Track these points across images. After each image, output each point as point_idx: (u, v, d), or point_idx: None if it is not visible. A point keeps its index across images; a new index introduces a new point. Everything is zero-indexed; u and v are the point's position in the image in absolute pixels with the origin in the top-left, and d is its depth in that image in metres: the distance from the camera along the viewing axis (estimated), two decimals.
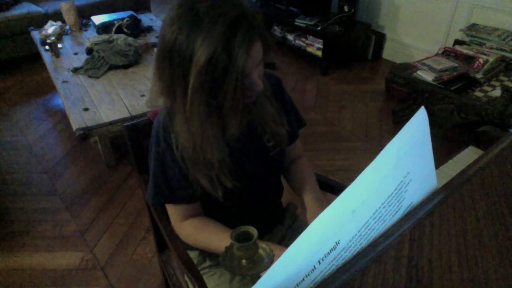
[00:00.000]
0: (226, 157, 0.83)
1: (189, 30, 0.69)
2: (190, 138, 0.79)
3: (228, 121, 0.79)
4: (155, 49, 2.58)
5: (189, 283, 1.07)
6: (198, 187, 0.85)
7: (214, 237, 0.88)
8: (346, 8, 3.26)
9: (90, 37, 2.67)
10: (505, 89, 2.12)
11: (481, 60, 2.31)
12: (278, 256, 0.74)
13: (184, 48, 0.70)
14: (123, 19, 2.86)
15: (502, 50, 2.42)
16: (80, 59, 2.53)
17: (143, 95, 2.14)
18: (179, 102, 0.76)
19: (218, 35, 0.67)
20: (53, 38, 2.65)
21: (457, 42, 2.70)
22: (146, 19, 3.22)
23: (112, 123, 1.94)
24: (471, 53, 2.41)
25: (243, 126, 0.85)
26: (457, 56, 2.43)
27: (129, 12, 3.08)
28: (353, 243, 0.49)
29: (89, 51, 2.49)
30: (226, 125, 0.81)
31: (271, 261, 0.72)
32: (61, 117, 2.73)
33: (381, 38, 3.45)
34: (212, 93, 0.72)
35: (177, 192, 0.88)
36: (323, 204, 0.91)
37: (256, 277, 0.75)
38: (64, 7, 2.92)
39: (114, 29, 2.77)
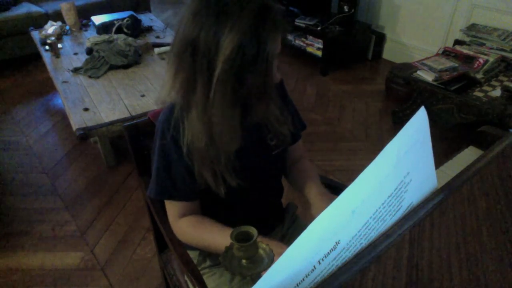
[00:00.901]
0: (233, 152, 0.83)
1: (216, 19, 0.70)
2: (205, 131, 0.79)
3: (251, 109, 0.80)
4: (155, 49, 2.61)
5: (189, 283, 1.07)
6: (202, 182, 0.86)
7: (209, 234, 0.88)
8: (346, 8, 3.26)
9: (90, 37, 2.67)
10: (505, 89, 2.12)
11: (481, 60, 2.31)
12: (279, 253, 0.75)
13: (211, 37, 0.70)
14: (123, 19, 2.86)
15: (502, 50, 2.42)
16: (80, 59, 2.53)
17: (143, 95, 2.14)
18: (199, 93, 0.76)
19: (246, 23, 0.69)
20: (53, 38, 2.65)
21: (457, 42, 2.70)
22: (146, 19, 3.22)
23: (112, 123, 1.93)
24: (471, 53, 2.41)
25: (264, 114, 0.87)
26: (457, 56, 2.43)
27: (129, 12, 3.08)
28: (353, 243, 0.49)
29: (89, 51, 2.49)
30: (248, 113, 0.81)
31: (271, 261, 0.72)
32: (61, 117, 2.73)
33: (381, 38, 3.45)
34: (239, 81, 0.73)
35: (179, 188, 0.88)
36: (327, 199, 0.90)
37: (256, 277, 0.75)
38: (64, 7, 2.92)
39: (114, 29, 2.77)
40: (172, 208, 0.93)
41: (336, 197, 0.45)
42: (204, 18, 0.71)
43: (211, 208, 0.94)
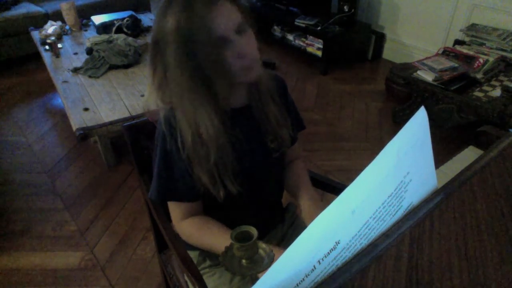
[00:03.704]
0: (227, 146, 0.82)
1: (161, 14, 0.75)
2: (188, 126, 0.80)
3: (218, 91, 0.79)
4: None
5: (189, 283, 1.07)
6: (201, 186, 0.85)
7: (213, 236, 0.88)
8: (346, 8, 3.26)
9: (90, 37, 2.67)
10: (505, 89, 2.12)
11: (481, 60, 2.31)
12: (278, 257, 0.75)
13: (159, 31, 0.75)
14: (123, 19, 2.86)
15: (502, 50, 2.42)
16: (80, 59, 2.53)
17: (143, 95, 2.14)
18: (172, 89, 0.78)
19: (178, 4, 0.72)
20: (53, 38, 2.65)
21: (457, 42, 2.70)
22: (146, 19, 3.22)
23: (112, 123, 1.93)
24: (471, 53, 2.41)
25: (243, 99, 0.88)
26: (457, 56, 2.43)
27: (129, 12, 3.08)
28: (353, 243, 0.49)
29: (89, 51, 2.49)
30: (217, 96, 0.80)
31: (271, 261, 0.72)
32: (61, 117, 2.72)
33: (381, 38, 3.45)
34: (191, 64, 0.74)
35: (181, 190, 0.87)
36: (317, 203, 0.92)
37: (256, 277, 0.75)
38: (64, 7, 2.92)
39: (114, 29, 2.77)
40: (175, 209, 0.93)
41: (331, 202, 0.45)
42: (157, 17, 0.76)
43: (211, 208, 0.94)
